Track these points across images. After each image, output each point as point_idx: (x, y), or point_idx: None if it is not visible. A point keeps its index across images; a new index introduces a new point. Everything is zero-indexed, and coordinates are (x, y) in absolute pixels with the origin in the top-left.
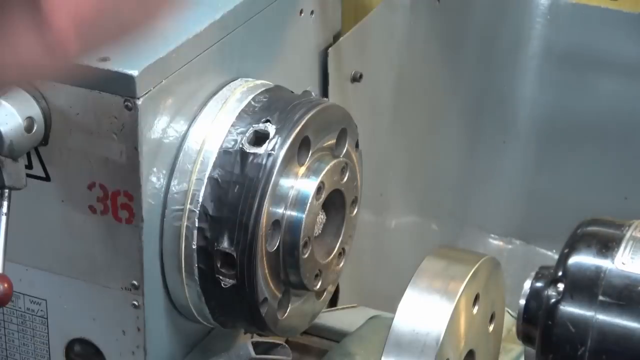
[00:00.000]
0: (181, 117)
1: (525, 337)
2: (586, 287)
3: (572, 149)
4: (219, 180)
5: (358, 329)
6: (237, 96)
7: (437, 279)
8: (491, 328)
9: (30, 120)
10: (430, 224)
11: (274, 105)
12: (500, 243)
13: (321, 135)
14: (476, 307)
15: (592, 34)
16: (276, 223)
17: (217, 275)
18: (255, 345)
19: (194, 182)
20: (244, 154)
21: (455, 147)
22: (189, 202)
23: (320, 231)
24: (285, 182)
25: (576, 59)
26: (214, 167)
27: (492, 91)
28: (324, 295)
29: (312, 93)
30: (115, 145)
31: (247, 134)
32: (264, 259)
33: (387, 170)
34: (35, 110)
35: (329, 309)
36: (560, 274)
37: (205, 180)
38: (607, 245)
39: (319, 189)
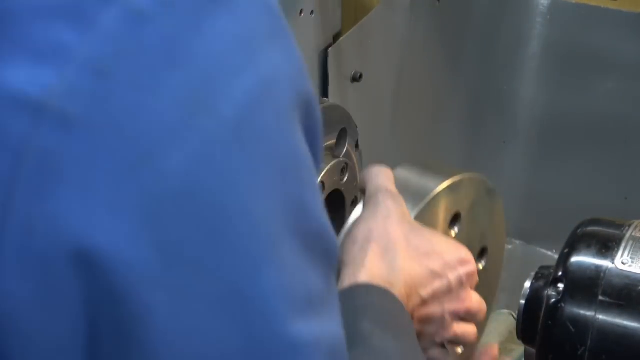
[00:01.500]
0: None
1: (525, 337)
2: (586, 287)
3: (572, 149)
4: None
5: None
6: None
7: (409, 184)
8: (481, 266)
9: None
10: None
11: None
12: None
13: None
14: (455, 230)
15: (592, 34)
16: None
17: None
18: None
19: None
20: None
21: (455, 147)
22: None
23: None
24: None
25: (576, 59)
26: None
27: (492, 91)
28: None
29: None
30: None
31: None
32: None
33: None
34: None
35: None
36: (560, 274)
37: None
38: (607, 245)
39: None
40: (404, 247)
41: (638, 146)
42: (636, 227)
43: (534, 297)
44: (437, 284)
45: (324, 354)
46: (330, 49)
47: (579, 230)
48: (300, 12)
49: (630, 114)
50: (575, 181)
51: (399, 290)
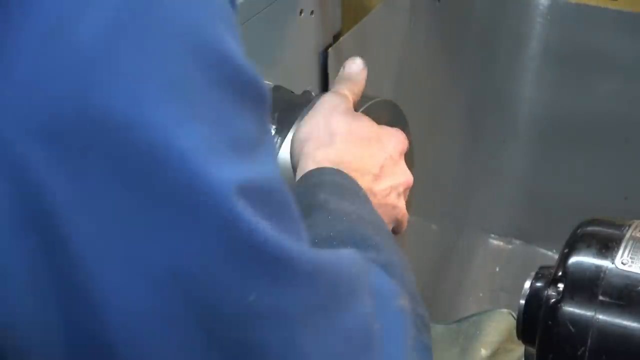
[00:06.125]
0: None
1: (525, 337)
2: (586, 287)
3: (572, 149)
4: None
5: None
6: None
7: None
8: None
9: None
10: (430, 224)
11: (274, 105)
12: (500, 243)
13: None
14: None
15: (592, 34)
16: None
17: None
18: None
19: None
20: None
21: (455, 147)
22: None
23: None
24: None
25: (576, 59)
26: None
27: (492, 91)
28: None
29: (312, 93)
30: None
31: None
32: None
33: None
34: None
35: None
36: (560, 274)
37: None
38: (607, 245)
39: None
40: (347, 134)
41: (638, 146)
42: (636, 227)
43: (534, 297)
44: (383, 158)
45: (256, 192)
46: (330, 49)
47: (579, 230)
48: (300, 12)
49: (630, 114)
50: (576, 181)
51: (348, 171)
